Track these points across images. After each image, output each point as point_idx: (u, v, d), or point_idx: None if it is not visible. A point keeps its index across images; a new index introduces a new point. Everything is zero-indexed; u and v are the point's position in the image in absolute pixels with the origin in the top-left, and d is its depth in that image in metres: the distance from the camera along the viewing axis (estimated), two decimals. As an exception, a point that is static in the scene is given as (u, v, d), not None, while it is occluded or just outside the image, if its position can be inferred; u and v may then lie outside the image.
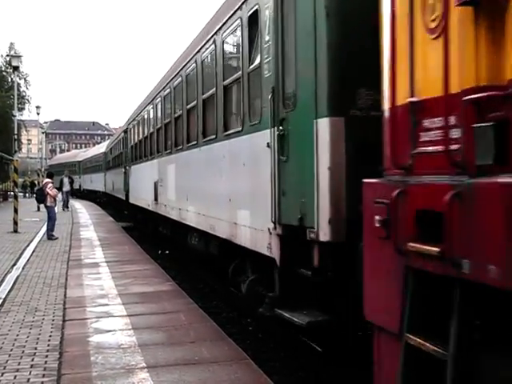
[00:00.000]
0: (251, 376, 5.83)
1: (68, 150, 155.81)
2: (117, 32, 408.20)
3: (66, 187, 35.19)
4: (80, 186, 57.26)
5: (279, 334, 8.45)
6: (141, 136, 20.57)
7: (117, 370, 5.97)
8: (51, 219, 18.82)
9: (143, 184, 19.30)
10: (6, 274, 11.85)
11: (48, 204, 19.09)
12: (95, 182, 47.32)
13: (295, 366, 7.42)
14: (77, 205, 41.32)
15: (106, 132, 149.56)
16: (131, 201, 23.31)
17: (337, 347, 6.68)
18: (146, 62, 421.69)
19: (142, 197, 19.85)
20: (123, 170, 26.00)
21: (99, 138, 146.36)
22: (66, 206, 34.31)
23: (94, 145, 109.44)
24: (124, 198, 25.87)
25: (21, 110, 57.03)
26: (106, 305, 9.12)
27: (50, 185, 19.57)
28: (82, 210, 35.32)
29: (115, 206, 34.39)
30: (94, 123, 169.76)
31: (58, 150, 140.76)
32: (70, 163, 65.44)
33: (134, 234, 21.79)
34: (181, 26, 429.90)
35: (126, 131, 26.16)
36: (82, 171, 58.66)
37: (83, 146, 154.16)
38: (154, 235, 20.09)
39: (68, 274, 11.85)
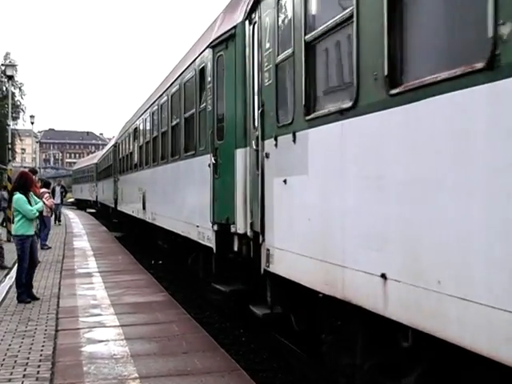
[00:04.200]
0: (243, 387, 5.85)
1: (62, 160, 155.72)
2: (111, 42, 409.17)
3: (58, 199, 27.53)
4: (97, 197, 40.82)
5: (272, 344, 8.46)
6: None
7: (109, 380, 5.99)
8: (46, 229, 18.75)
9: None
10: (-2, 284, 11.83)
11: (44, 214, 18.99)
12: (107, 191, 32.20)
13: (288, 377, 7.43)
14: (70, 214, 41.20)
15: (100, 142, 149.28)
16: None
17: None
18: (140, 74, 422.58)
19: None
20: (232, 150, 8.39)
21: (93, 147, 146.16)
22: (57, 219, 29.36)
23: (87, 154, 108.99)
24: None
25: (15, 119, 57.05)
26: (99, 315, 9.12)
27: (47, 195, 19.45)
28: (76, 220, 35.22)
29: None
30: (88, 133, 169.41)
31: (51, 159, 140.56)
32: (89, 168, 49.09)
33: (127, 243, 21.72)
34: (175, 34, 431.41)
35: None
36: (97, 176, 40.70)
37: (77, 155, 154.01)
38: None
39: (61, 284, 11.84)
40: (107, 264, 15.16)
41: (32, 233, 10.21)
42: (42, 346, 7.27)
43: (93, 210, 47.12)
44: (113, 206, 26.96)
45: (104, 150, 38.67)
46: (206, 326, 8.95)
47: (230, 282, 8.65)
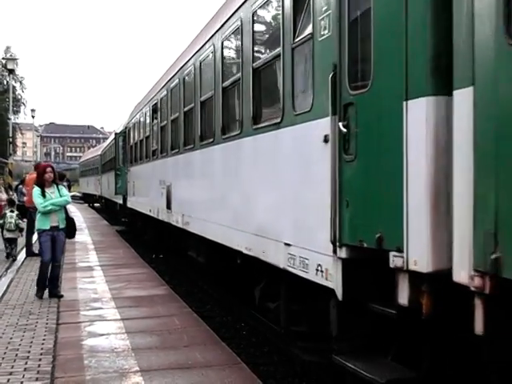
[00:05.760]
0: (244, 380, 5.85)
1: (63, 154, 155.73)
2: (112, 36, 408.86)
3: None
4: (101, 192, 36.32)
5: (273, 339, 8.46)
6: None
7: (110, 373, 5.98)
8: None
9: None
10: (0, 277, 11.84)
11: None
12: (113, 184, 26.81)
13: (288, 371, 7.43)
14: (71, 208, 41.15)
15: (100, 136, 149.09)
16: None
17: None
18: (141, 67, 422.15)
19: None
20: None
21: (94, 141, 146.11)
22: None
23: (88, 148, 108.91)
24: None
25: (16, 112, 57.17)
26: (100, 308, 9.12)
27: None
28: (77, 214, 35.17)
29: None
30: (88, 127, 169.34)
31: (52, 153, 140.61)
32: (94, 160, 43.99)
33: (129, 237, 21.71)
34: (177, 28, 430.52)
35: None
36: (102, 169, 36.26)
37: (78, 149, 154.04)
38: None
39: (62, 278, 11.81)
40: (108, 258, 15.16)
41: (47, 227, 9.48)
42: (43, 339, 7.27)
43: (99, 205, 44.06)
44: (121, 202, 23.26)
45: (109, 139, 33.86)
46: (207, 320, 8.95)
47: (366, 354, 4.95)
